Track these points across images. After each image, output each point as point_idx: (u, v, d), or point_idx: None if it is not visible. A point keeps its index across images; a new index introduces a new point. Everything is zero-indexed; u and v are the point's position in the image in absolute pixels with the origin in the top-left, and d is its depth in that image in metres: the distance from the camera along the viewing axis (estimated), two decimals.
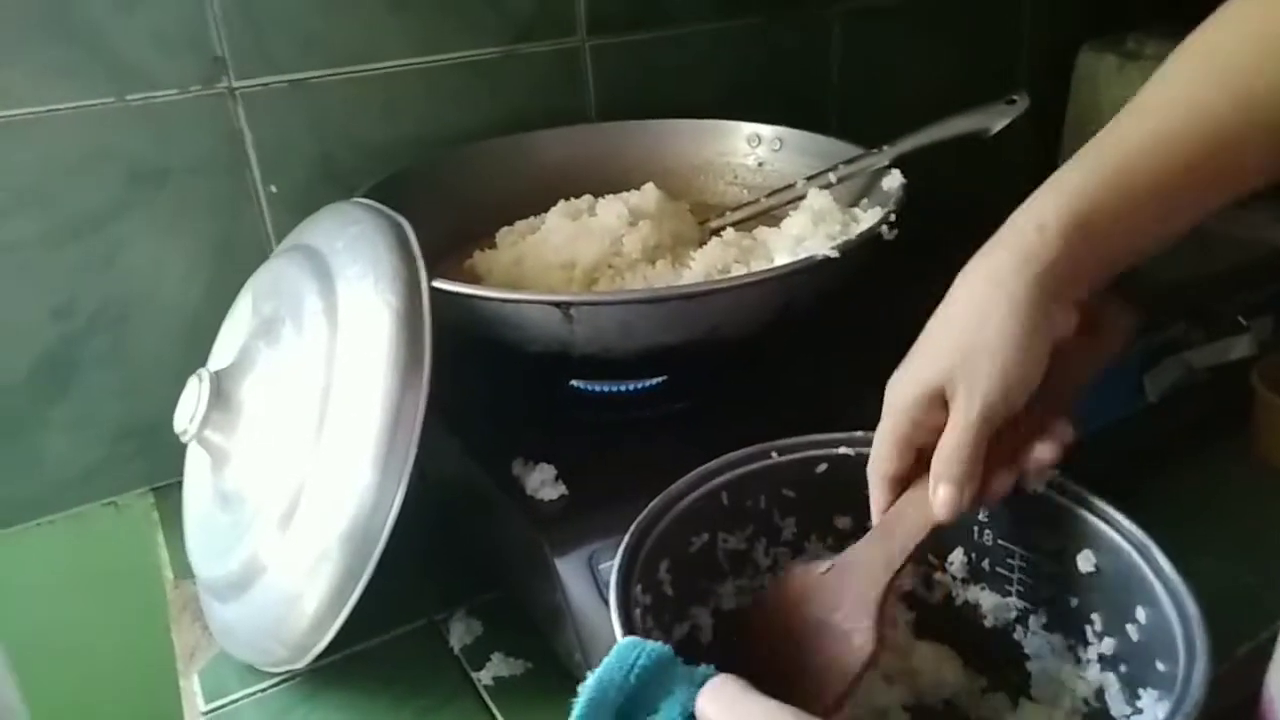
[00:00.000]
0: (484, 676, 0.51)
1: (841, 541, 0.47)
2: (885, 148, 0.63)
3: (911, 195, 0.60)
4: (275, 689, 0.51)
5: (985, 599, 0.46)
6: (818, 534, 0.48)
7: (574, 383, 0.60)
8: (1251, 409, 0.64)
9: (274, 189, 0.67)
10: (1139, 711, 0.38)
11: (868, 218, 0.59)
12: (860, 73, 0.92)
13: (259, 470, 0.48)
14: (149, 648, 0.60)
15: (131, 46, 0.60)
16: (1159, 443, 0.64)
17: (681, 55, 0.82)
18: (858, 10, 0.90)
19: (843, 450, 0.46)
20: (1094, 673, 0.42)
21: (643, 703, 0.31)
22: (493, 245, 0.66)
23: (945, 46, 0.97)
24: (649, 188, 0.64)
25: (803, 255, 0.50)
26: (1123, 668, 0.40)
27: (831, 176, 0.64)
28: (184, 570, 0.61)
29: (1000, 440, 0.38)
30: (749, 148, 0.74)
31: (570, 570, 0.47)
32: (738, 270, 0.56)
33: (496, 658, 0.52)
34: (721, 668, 0.32)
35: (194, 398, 0.49)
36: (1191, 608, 0.36)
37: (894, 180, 0.61)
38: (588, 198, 0.66)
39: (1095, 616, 0.42)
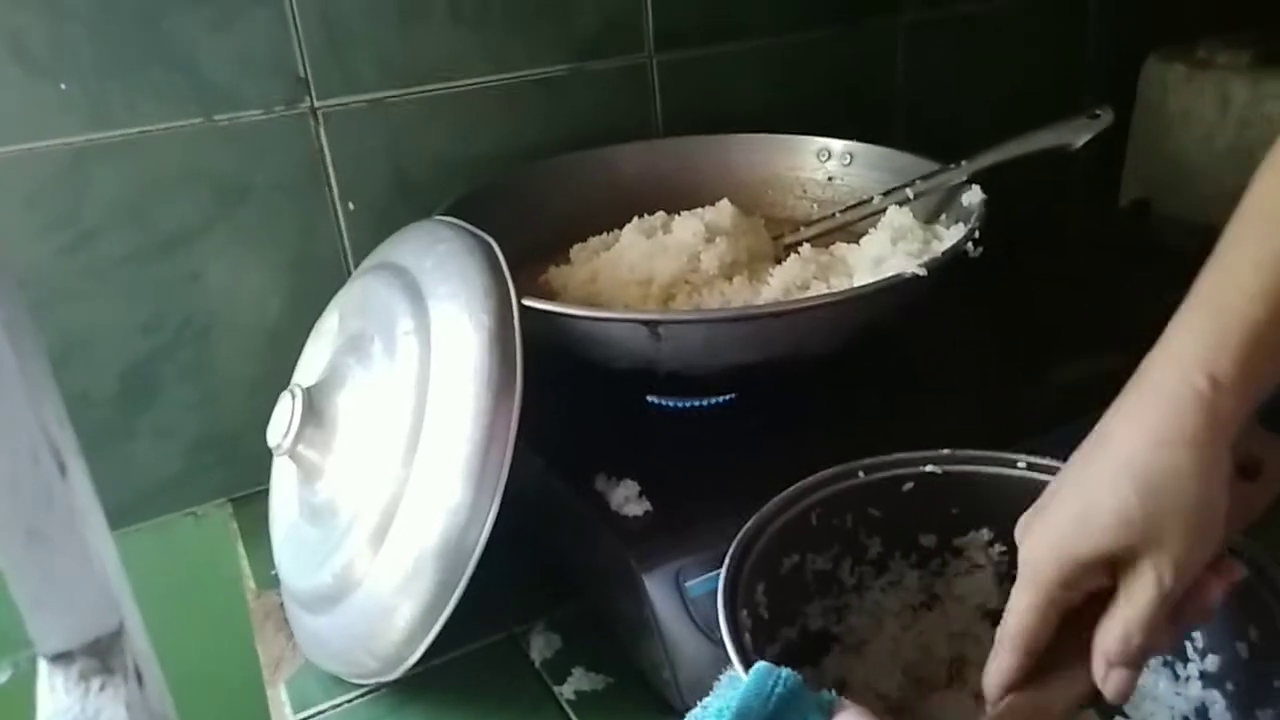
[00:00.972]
0: (566, 691, 0.52)
1: (925, 560, 0.47)
2: (964, 163, 0.62)
3: (991, 211, 0.59)
4: (361, 700, 0.52)
5: None
6: (902, 552, 0.47)
7: (652, 398, 0.60)
8: None
9: (351, 206, 0.69)
10: None
11: (949, 235, 0.58)
12: (925, 85, 0.91)
13: (351, 485, 0.49)
14: (234, 657, 0.61)
15: (219, 68, 0.62)
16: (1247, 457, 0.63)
17: (746, 70, 0.82)
18: (922, 22, 0.89)
19: (929, 469, 0.46)
20: (1195, 690, 0.41)
21: None
22: (567, 261, 0.66)
23: (1010, 57, 0.96)
24: (724, 204, 0.65)
25: (885, 273, 0.50)
26: (1229, 685, 0.40)
27: (908, 192, 0.63)
28: (265, 581, 0.62)
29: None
30: (818, 162, 0.74)
31: (658, 587, 0.47)
32: (817, 287, 0.56)
33: (578, 672, 0.52)
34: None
35: (287, 413, 0.50)
36: None
37: (974, 196, 0.60)
38: (661, 214, 0.66)
39: (1196, 634, 0.41)
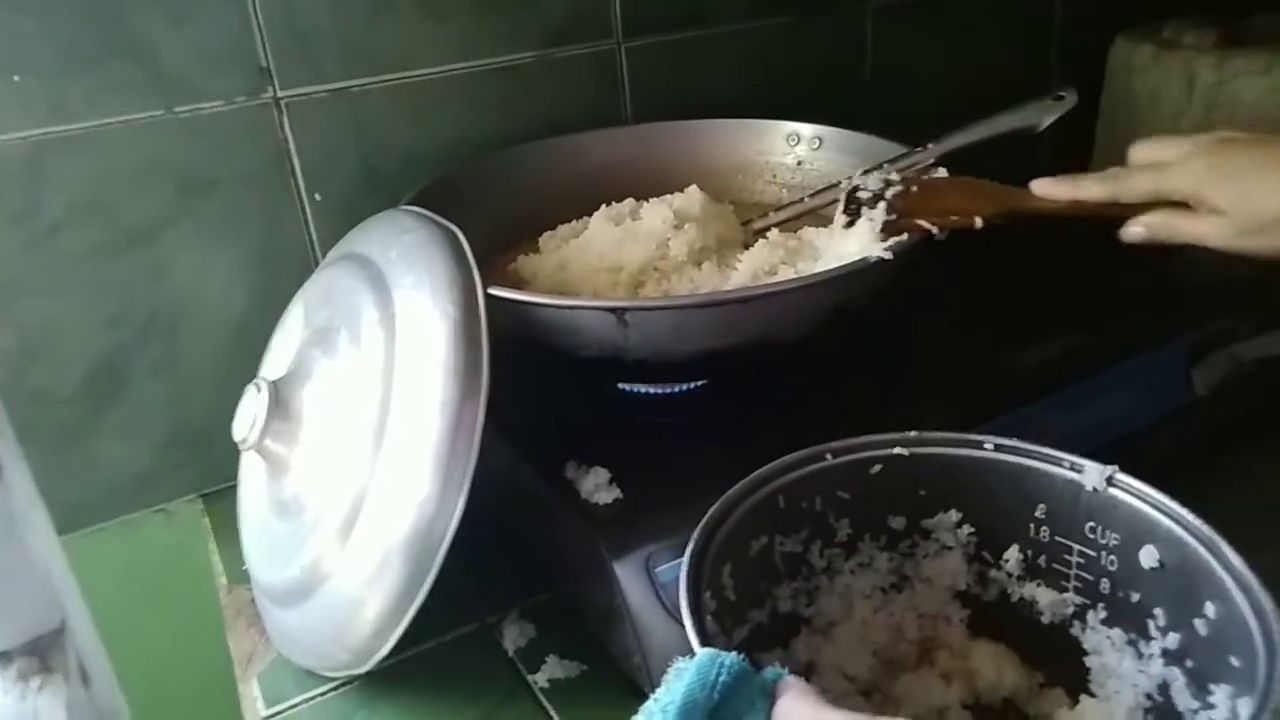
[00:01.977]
0: (540, 679, 0.52)
1: (894, 542, 0.48)
2: (931, 145, 0.63)
3: None
4: (334, 694, 0.52)
5: (1042, 595, 0.46)
6: (871, 534, 0.48)
7: (621, 385, 0.60)
8: None
9: (318, 197, 0.68)
10: (1211, 706, 0.38)
11: None
12: (895, 68, 0.92)
13: (318, 478, 0.49)
14: (205, 653, 0.61)
15: (179, 60, 0.61)
16: (1208, 438, 0.63)
17: (715, 55, 0.82)
18: (890, 5, 0.90)
19: (897, 450, 0.46)
20: (1157, 667, 0.41)
21: (725, 716, 0.31)
22: (536, 249, 0.66)
23: (978, 39, 0.96)
24: (693, 190, 0.64)
25: (852, 257, 0.50)
26: (1189, 662, 0.40)
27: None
28: (237, 576, 0.62)
29: None
30: (788, 146, 0.74)
31: (628, 573, 0.47)
32: (785, 272, 0.56)
33: (551, 660, 0.52)
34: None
35: (253, 407, 0.50)
36: (1267, 602, 0.36)
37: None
38: (630, 201, 0.66)
39: (1158, 611, 0.41)
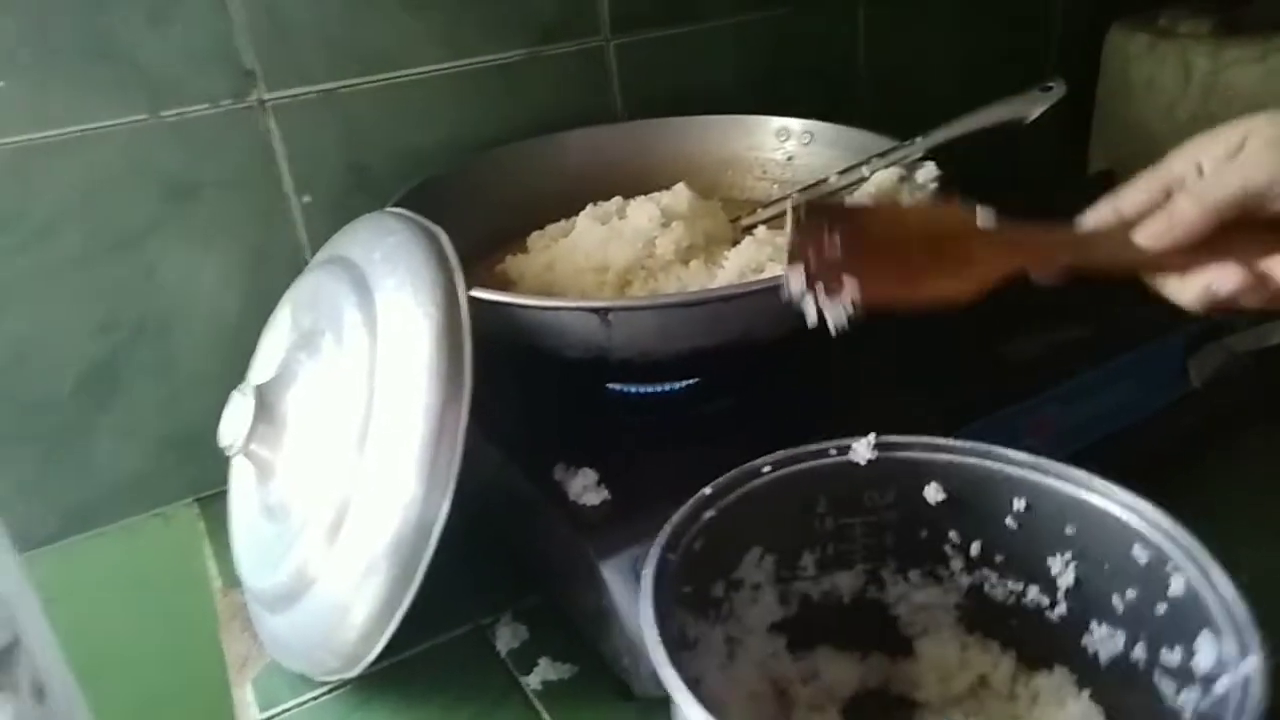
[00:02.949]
0: (532, 681, 0.52)
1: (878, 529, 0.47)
2: (919, 139, 0.62)
3: (947, 185, 0.59)
4: (327, 697, 0.52)
5: (840, 581, 0.47)
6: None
7: (611, 385, 0.60)
8: None
9: (307, 199, 0.68)
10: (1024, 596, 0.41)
11: None
12: (887, 60, 0.91)
13: (304, 483, 0.49)
14: (200, 657, 0.61)
15: (163, 63, 0.61)
16: (1204, 429, 0.63)
17: (706, 51, 0.81)
18: None
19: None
20: (965, 580, 0.45)
21: None
22: (524, 249, 0.66)
23: (972, 30, 0.96)
24: (680, 188, 0.64)
25: None
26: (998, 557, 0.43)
27: (864, 170, 0.63)
28: (232, 580, 0.62)
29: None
30: (778, 142, 0.73)
31: (615, 575, 0.47)
32: (772, 269, 0.56)
33: (544, 662, 0.52)
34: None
35: (238, 412, 0.50)
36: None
37: (929, 172, 0.60)
38: (617, 200, 0.66)
39: (952, 534, 0.45)
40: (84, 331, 0.64)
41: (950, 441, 0.44)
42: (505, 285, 0.62)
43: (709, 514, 0.41)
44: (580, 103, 0.77)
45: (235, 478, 0.57)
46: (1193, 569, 0.37)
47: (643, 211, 0.60)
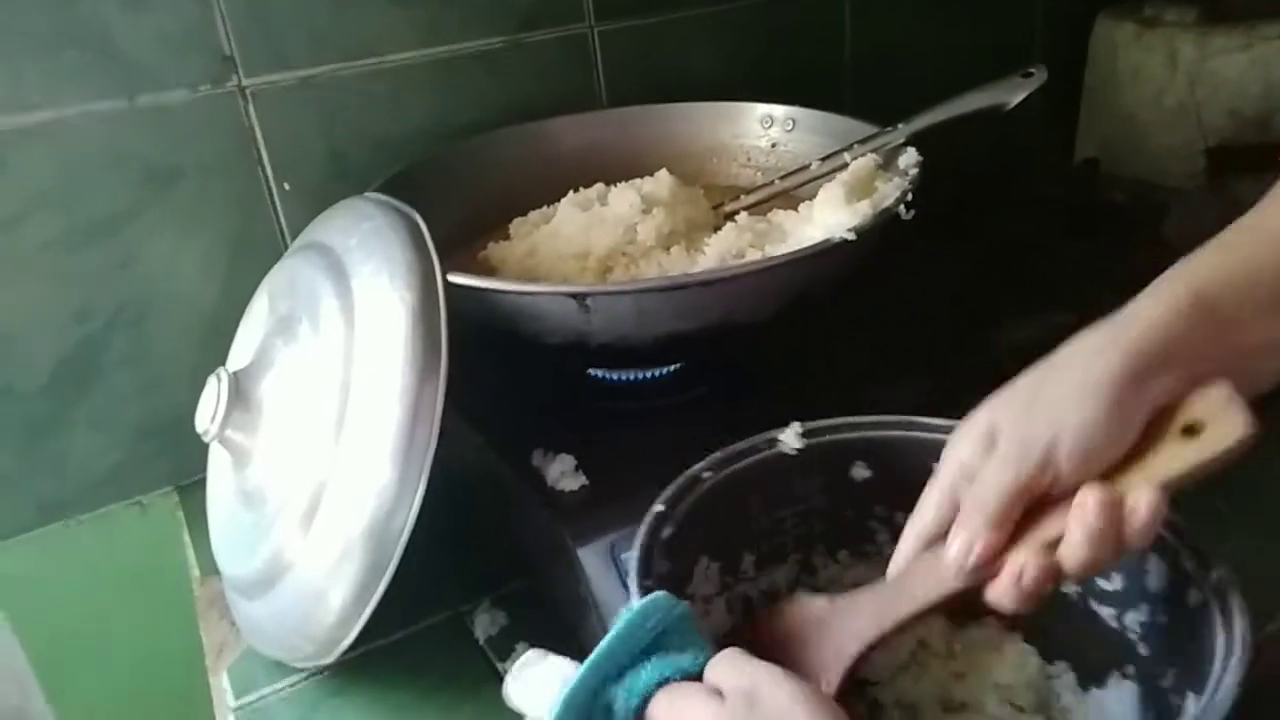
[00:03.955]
0: (509, 667, 0.51)
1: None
2: (900, 125, 0.62)
3: (930, 172, 0.59)
4: (303, 684, 0.52)
5: (778, 577, 0.46)
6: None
7: (592, 371, 0.60)
8: None
9: (287, 186, 0.67)
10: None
11: (887, 194, 0.58)
12: (872, 47, 0.91)
13: (280, 468, 0.48)
14: (178, 645, 0.61)
15: (140, 48, 0.60)
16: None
17: (691, 37, 0.81)
18: None
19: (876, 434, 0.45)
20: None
21: (664, 647, 0.32)
22: (506, 236, 0.65)
23: (959, 16, 0.95)
24: (662, 174, 0.64)
25: (820, 238, 0.50)
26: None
27: (846, 157, 0.63)
28: (210, 567, 0.61)
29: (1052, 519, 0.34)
30: (762, 129, 0.73)
31: (592, 560, 0.47)
32: (753, 255, 0.55)
33: (521, 648, 0.52)
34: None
35: (214, 398, 0.49)
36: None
37: (910, 158, 0.60)
38: (599, 186, 0.65)
39: (878, 509, 0.45)
40: (61, 319, 0.63)
41: (874, 418, 0.44)
42: (488, 271, 0.62)
43: (668, 531, 0.40)
44: (564, 90, 0.76)
45: (213, 464, 0.57)
46: None
47: (624, 198, 0.60)
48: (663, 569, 0.39)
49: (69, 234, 0.62)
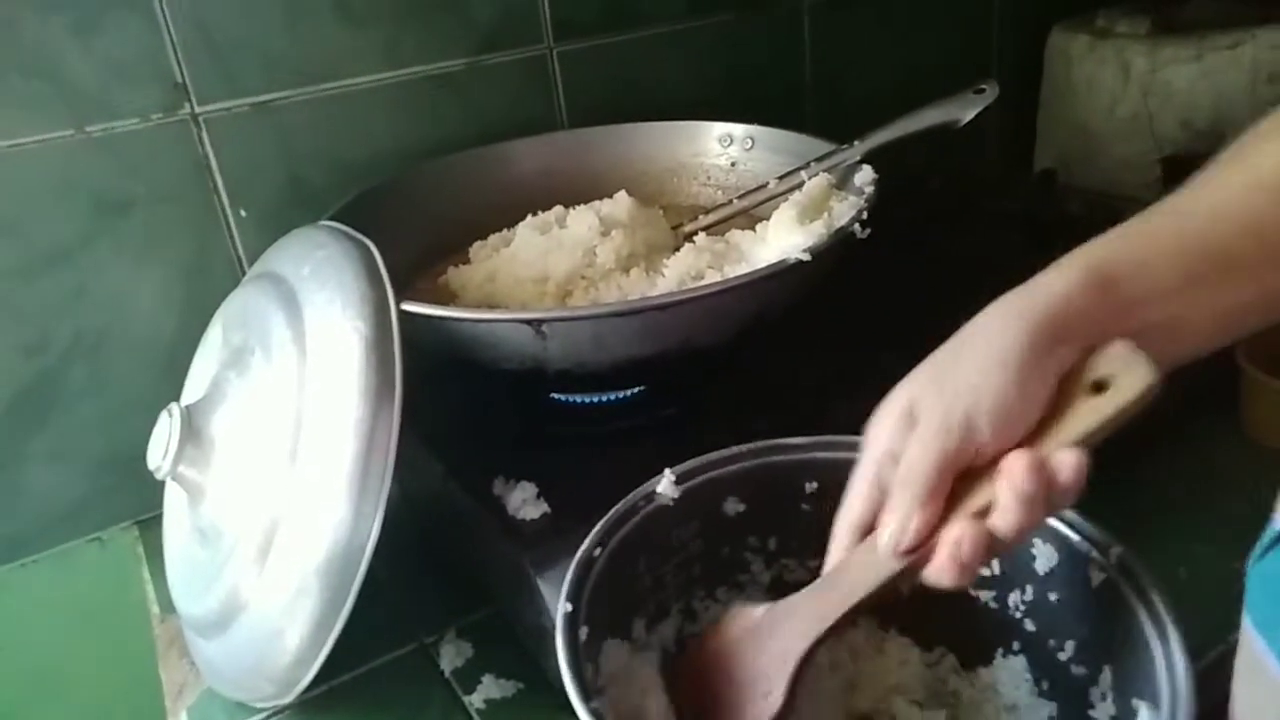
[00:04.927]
0: (475, 699, 0.51)
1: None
2: (856, 143, 0.62)
3: (887, 189, 0.59)
4: None
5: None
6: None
7: (554, 395, 0.59)
8: (1239, 387, 0.63)
9: (244, 213, 0.67)
10: None
11: (842, 212, 0.58)
12: (833, 66, 0.91)
13: (234, 504, 0.47)
14: (137, 686, 0.59)
15: (89, 77, 0.60)
16: (1146, 424, 0.63)
17: (651, 57, 0.81)
18: (827, 3, 0.89)
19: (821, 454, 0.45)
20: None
21: None
22: (466, 260, 0.65)
23: (917, 34, 0.97)
24: (621, 196, 0.64)
25: (776, 258, 0.50)
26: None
27: (803, 175, 0.63)
28: (170, 605, 0.60)
29: (977, 489, 0.34)
30: (721, 148, 0.73)
31: (552, 589, 0.46)
32: (711, 276, 0.55)
33: (487, 679, 0.51)
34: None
35: (165, 434, 0.49)
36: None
37: (866, 176, 0.60)
38: (557, 209, 0.65)
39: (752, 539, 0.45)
40: (14, 352, 0.62)
41: (740, 449, 0.44)
42: (448, 297, 0.61)
43: (583, 633, 0.38)
44: (524, 111, 0.76)
45: (168, 501, 0.56)
46: None
47: (582, 220, 0.60)
48: (589, 673, 0.37)
49: (21, 265, 0.61)
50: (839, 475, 0.41)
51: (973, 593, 0.43)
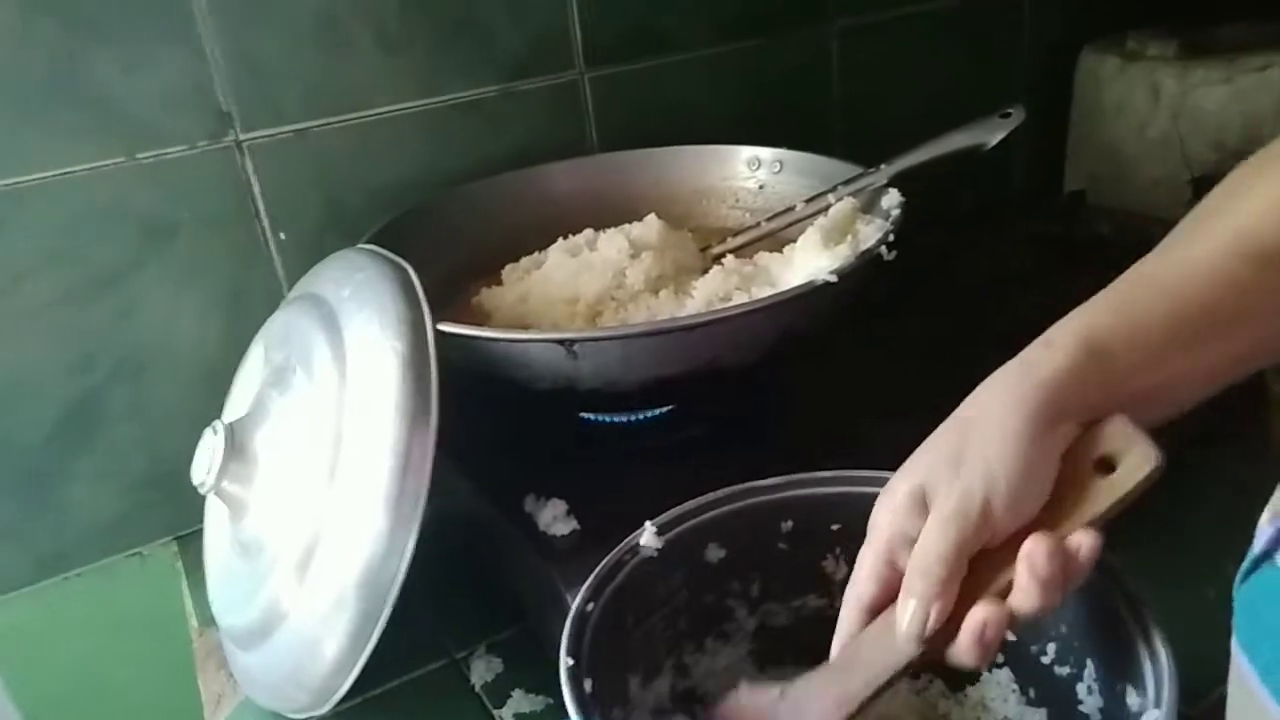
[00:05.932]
0: (505, 714, 0.51)
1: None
2: (883, 166, 0.63)
3: (915, 212, 0.60)
4: None
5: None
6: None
7: (584, 414, 0.60)
8: (1266, 406, 0.63)
9: (284, 237, 0.69)
10: None
11: (868, 235, 0.59)
12: (862, 89, 0.92)
13: (275, 519, 0.49)
14: (176, 695, 0.61)
15: (139, 106, 0.62)
16: (1172, 445, 0.63)
17: (681, 82, 0.82)
18: (856, 27, 0.90)
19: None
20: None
21: None
22: (499, 282, 0.66)
23: (946, 57, 0.97)
24: (650, 219, 0.65)
25: (803, 280, 0.50)
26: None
27: (830, 198, 0.64)
28: (208, 618, 0.61)
29: (990, 568, 0.35)
30: (749, 171, 0.74)
31: None
32: (739, 298, 0.56)
33: (517, 694, 0.52)
34: None
35: (210, 450, 0.50)
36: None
37: (892, 199, 0.61)
38: (588, 232, 0.66)
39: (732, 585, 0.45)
40: (62, 373, 0.64)
41: (718, 494, 0.44)
42: (481, 318, 0.63)
43: (588, 685, 0.38)
44: (555, 136, 0.78)
45: (210, 516, 0.57)
46: None
47: (612, 243, 0.61)
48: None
49: (72, 289, 0.63)
50: (814, 513, 0.43)
51: None
